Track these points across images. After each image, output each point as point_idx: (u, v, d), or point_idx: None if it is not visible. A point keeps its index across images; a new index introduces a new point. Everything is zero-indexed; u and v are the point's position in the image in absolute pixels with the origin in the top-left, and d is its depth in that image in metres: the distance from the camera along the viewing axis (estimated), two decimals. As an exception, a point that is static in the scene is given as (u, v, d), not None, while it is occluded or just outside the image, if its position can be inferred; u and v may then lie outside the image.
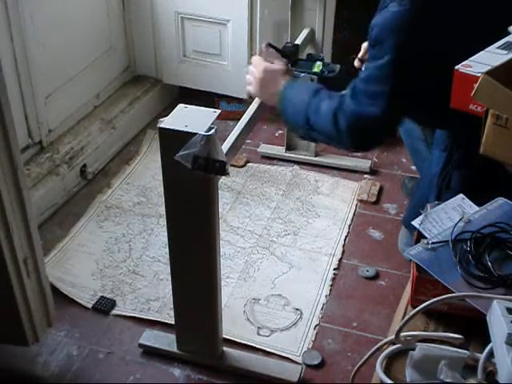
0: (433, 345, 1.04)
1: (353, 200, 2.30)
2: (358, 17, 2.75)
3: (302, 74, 1.81)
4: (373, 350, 1.10)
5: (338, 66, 1.83)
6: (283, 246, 2.10)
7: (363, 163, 2.46)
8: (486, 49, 1.15)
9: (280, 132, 2.64)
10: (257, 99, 1.74)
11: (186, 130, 1.31)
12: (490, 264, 1.13)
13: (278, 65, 1.71)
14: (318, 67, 1.82)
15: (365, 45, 1.83)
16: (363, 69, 1.56)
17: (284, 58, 1.77)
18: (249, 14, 2.48)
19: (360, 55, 1.86)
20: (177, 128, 1.32)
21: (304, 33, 2.20)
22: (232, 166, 2.39)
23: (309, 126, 1.56)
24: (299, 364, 1.69)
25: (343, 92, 1.56)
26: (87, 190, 2.35)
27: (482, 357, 0.99)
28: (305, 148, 2.49)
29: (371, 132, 1.51)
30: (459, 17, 1.42)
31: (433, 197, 1.67)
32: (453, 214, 1.25)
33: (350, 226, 2.19)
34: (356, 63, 1.87)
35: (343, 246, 2.10)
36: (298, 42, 2.10)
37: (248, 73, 1.73)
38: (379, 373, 1.03)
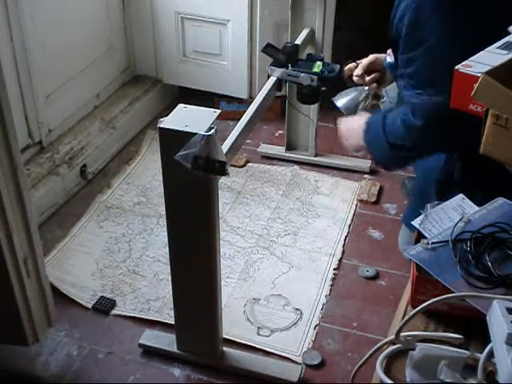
0: (433, 345, 1.04)
1: (353, 200, 2.30)
2: (358, 17, 2.76)
3: (302, 74, 1.81)
4: (373, 350, 1.10)
5: (338, 66, 1.83)
6: (283, 246, 2.10)
7: (363, 163, 2.46)
8: (486, 49, 1.15)
9: (280, 132, 2.65)
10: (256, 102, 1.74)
11: (186, 130, 1.31)
12: (489, 264, 1.13)
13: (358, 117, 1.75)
14: (318, 67, 1.82)
15: (363, 64, 1.83)
16: (400, 63, 1.52)
17: (285, 58, 1.77)
18: (249, 13, 2.48)
19: (355, 73, 1.85)
20: (177, 128, 1.32)
21: (304, 33, 2.20)
22: (232, 165, 2.39)
23: (391, 147, 1.57)
24: (299, 364, 1.69)
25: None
26: (87, 190, 2.35)
27: (482, 357, 0.99)
28: (305, 148, 2.49)
29: (447, 122, 1.45)
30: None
31: (433, 192, 1.67)
32: (453, 214, 1.25)
33: (349, 226, 2.19)
34: (352, 75, 1.87)
35: (343, 246, 2.10)
36: (298, 41, 2.10)
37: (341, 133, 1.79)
38: (379, 373, 1.03)
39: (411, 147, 1.55)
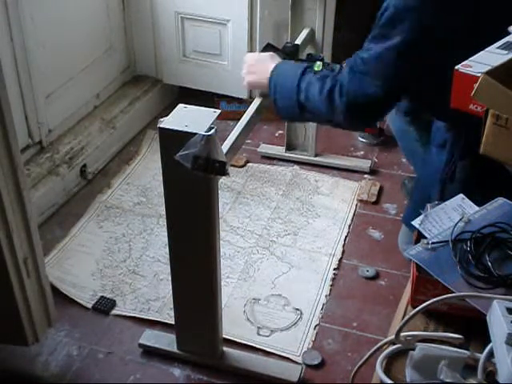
0: (433, 345, 1.04)
1: (353, 200, 2.30)
2: (358, 17, 2.75)
3: None
4: (373, 350, 1.10)
5: (338, 66, 1.82)
6: (283, 246, 2.10)
7: (363, 163, 2.46)
8: (486, 49, 1.15)
9: (280, 132, 2.64)
10: (257, 99, 1.74)
11: (186, 130, 1.31)
12: (489, 264, 1.13)
13: (268, 55, 1.73)
14: (318, 67, 1.80)
15: None
16: (365, 47, 1.54)
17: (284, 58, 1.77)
18: (249, 14, 2.48)
19: None
20: (177, 128, 1.32)
21: (304, 33, 2.20)
22: (232, 166, 2.39)
23: (300, 106, 1.56)
24: (299, 364, 1.69)
25: (334, 71, 1.58)
26: (87, 190, 2.35)
27: (482, 357, 0.98)
28: (305, 148, 2.49)
29: (370, 112, 1.52)
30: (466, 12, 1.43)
31: (436, 192, 1.67)
32: (453, 214, 1.25)
33: (349, 226, 2.19)
34: None
35: (343, 246, 2.10)
36: (298, 41, 2.09)
37: (243, 69, 1.76)
38: (379, 373, 1.03)
39: (322, 118, 1.58)
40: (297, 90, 1.56)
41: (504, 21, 1.24)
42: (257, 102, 1.73)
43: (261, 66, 1.68)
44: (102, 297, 1.89)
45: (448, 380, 0.98)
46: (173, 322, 1.69)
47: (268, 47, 1.81)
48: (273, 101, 1.64)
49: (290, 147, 2.51)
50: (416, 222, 1.25)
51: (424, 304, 1.06)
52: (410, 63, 1.45)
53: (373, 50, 1.48)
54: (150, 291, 1.92)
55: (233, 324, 1.80)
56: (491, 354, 0.97)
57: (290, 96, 1.58)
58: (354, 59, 1.52)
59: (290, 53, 1.88)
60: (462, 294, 1.08)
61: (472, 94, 1.06)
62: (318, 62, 1.79)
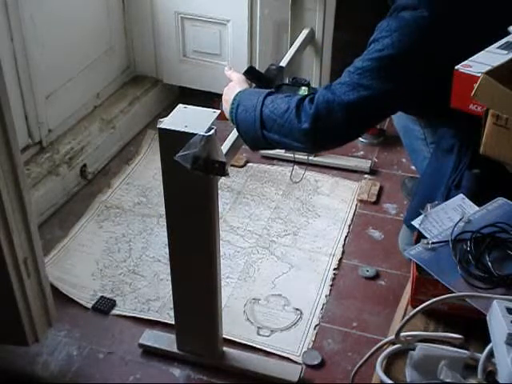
0: (433, 345, 1.04)
1: (353, 200, 2.30)
2: (357, 17, 2.76)
3: None
4: (373, 350, 1.10)
5: None
6: (283, 246, 2.10)
7: (363, 163, 2.46)
8: (486, 49, 1.15)
9: (280, 132, 2.64)
10: None
11: (185, 130, 1.31)
12: (489, 264, 1.13)
13: (236, 77, 1.63)
14: (303, 93, 1.63)
15: None
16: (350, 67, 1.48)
17: (267, 83, 1.65)
18: (249, 14, 2.48)
19: None
20: (177, 128, 1.32)
21: (304, 33, 2.20)
22: (232, 166, 2.39)
23: (261, 124, 1.44)
24: (299, 364, 1.69)
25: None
26: (87, 190, 2.35)
27: (482, 357, 0.98)
28: (305, 148, 2.48)
29: (337, 125, 1.40)
30: (470, 23, 1.42)
31: (440, 197, 1.66)
32: (453, 214, 1.25)
33: (349, 226, 2.19)
34: None
35: (343, 246, 2.10)
36: (283, 63, 1.98)
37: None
38: (379, 373, 1.03)
39: (285, 134, 1.44)
40: (260, 106, 1.44)
41: (504, 21, 1.25)
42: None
43: (230, 94, 1.56)
44: (101, 297, 1.89)
45: (448, 380, 0.98)
46: (173, 322, 1.69)
47: (250, 71, 1.69)
48: (235, 126, 1.53)
49: (290, 147, 2.51)
50: (416, 222, 1.25)
51: (424, 304, 1.06)
52: (397, 80, 1.41)
53: (355, 63, 1.43)
54: (150, 291, 1.92)
55: (233, 324, 1.80)
56: (491, 354, 0.97)
57: (252, 114, 1.46)
58: (344, 73, 1.46)
59: (273, 76, 1.75)
60: (462, 294, 1.08)
61: (472, 94, 1.06)
62: (304, 88, 1.70)
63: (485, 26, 1.40)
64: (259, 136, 1.46)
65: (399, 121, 2.09)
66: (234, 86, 1.59)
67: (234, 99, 1.52)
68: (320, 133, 1.41)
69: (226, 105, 1.56)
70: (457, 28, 1.41)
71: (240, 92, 1.53)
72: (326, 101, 1.39)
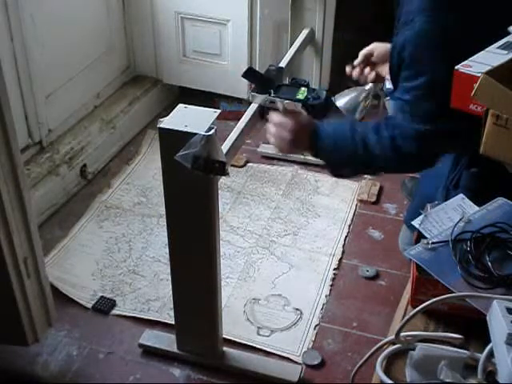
0: (433, 345, 1.04)
1: (353, 200, 2.30)
2: (357, 17, 2.76)
3: (286, 102, 1.67)
4: (373, 350, 1.10)
5: (325, 92, 1.68)
6: (283, 246, 2.10)
7: (363, 163, 2.45)
8: (486, 49, 1.15)
9: (280, 132, 2.64)
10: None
11: (185, 130, 1.31)
12: (489, 264, 1.13)
13: (303, 120, 1.61)
14: (302, 93, 1.67)
15: (363, 52, 1.82)
16: (402, 89, 1.49)
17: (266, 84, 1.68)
18: (249, 14, 2.48)
19: (356, 62, 1.83)
20: (177, 128, 1.32)
21: (304, 33, 2.20)
22: (232, 166, 2.39)
23: (362, 159, 1.50)
24: (299, 364, 1.69)
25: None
26: (87, 190, 2.35)
27: (482, 357, 0.98)
28: (305, 148, 2.48)
29: (441, 146, 1.49)
30: (479, 24, 1.42)
31: (439, 197, 1.66)
32: (453, 214, 1.25)
33: (349, 226, 2.19)
34: (347, 69, 1.85)
35: (343, 246, 2.10)
36: (283, 64, 1.98)
37: (270, 131, 1.59)
38: (379, 373, 1.03)
39: (391, 165, 1.54)
40: (353, 149, 1.49)
41: (505, 21, 1.25)
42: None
43: (301, 137, 1.56)
44: (101, 297, 1.89)
45: (448, 380, 0.98)
46: (173, 322, 1.69)
47: (249, 72, 1.69)
48: (329, 166, 1.60)
49: (290, 147, 2.51)
50: (416, 222, 1.25)
51: (424, 304, 1.06)
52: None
53: (414, 91, 1.44)
54: (150, 291, 1.92)
55: (233, 324, 1.80)
56: (491, 354, 0.97)
57: (350, 156, 1.52)
58: (401, 105, 1.48)
59: (272, 77, 1.76)
60: (462, 294, 1.08)
61: (472, 94, 1.06)
62: (303, 88, 1.70)
63: (485, 25, 1.40)
64: (361, 168, 1.58)
65: None
66: (302, 128, 1.57)
67: (316, 139, 1.53)
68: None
69: (297, 145, 1.57)
70: (469, 33, 1.41)
71: (318, 133, 1.54)
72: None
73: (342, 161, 1.56)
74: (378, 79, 1.85)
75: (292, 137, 1.56)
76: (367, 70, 1.82)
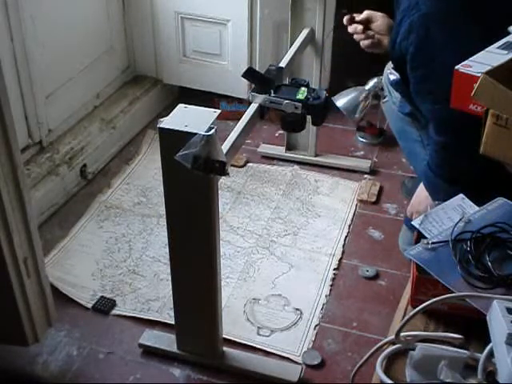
0: (433, 345, 1.04)
1: (353, 200, 2.30)
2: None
3: (285, 102, 1.68)
4: (373, 350, 1.10)
5: (324, 93, 1.69)
6: (283, 246, 2.10)
7: (363, 163, 2.46)
8: (486, 49, 1.15)
9: (280, 132, 2.64)
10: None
11: (186, 130, 1.31)
12: (489, 264, 1.13)
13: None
14: (302, 93, 1.68)
15: (369, 12, 1.80)
16: (414, 80, 1.51)
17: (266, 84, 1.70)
18: (249, 14, 2.48)
19: (358, 18, 1.82)
20: (177, 128, 1.32)
21: (304, 33, 2.20)
22: (232, 165, 2.39)
23: (449, 181, 1.59)
24: (299, 364, 1.69)
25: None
26: (87, 190, 2.35)
27: (482, 357, 0.99)
28: (305, 148, 2.49)
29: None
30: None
31: (440, 198, 1.66)
32: (453, 214, 1.25)
33: (349, 226, 2.19)
34: (345, 20, 1.83)
35: (343, 246, 2.10)
36: (283, 64, 1.97)
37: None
38: (379, 373, 1.03)
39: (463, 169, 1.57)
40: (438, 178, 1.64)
41: (505, 21, 1.25)
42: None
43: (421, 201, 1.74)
44: (101, 297, 1.89)
45: (448, 380, 0.98)
46: (173, 322, 1.69)
47: (249, 72, 1.70)
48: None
49: (290, 147, 2.51)
50: (416, 222, 1.25)
51: (424, 304, 1.06)
52: None
53: (433, 76, 1.45)
54: (150, 291, 1.92)
55: (233, 324, 1.80)
56: (491, 354, 0.97)
57: (442, 187, 1.62)
58: (424, 96, 1.50)
59: (272, 77, 1.75)
60: (462, 294, 1.08)
61: (472, 94, 1.06)
62: (303, 88, 1.70)
63: (485, 25, 1.40)
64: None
65: (395, 124, 2.09)
66: (420, 199, 1.74)
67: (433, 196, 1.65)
68: None
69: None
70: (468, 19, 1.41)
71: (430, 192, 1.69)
72: None
73: (444, 192, 1.58)
74: (371, 47, 1.84)
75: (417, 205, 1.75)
76: (366, 33, 1.82)
